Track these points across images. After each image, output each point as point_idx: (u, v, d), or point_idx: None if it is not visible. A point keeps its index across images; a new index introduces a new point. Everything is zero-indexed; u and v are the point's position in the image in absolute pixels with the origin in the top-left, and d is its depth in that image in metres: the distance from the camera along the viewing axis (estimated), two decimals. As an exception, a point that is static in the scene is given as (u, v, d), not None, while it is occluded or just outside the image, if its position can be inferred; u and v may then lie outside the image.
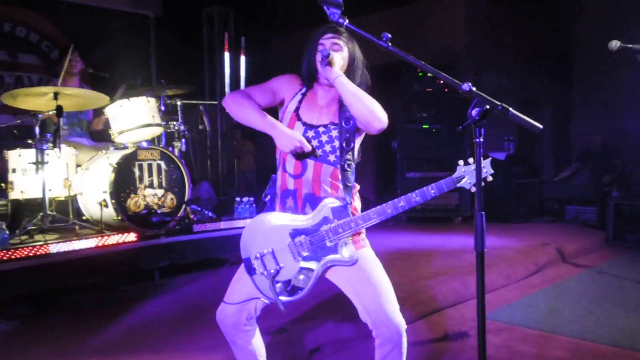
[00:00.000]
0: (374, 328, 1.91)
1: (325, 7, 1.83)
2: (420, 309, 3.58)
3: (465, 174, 1.83)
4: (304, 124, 1.99)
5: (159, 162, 4.18)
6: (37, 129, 3.79)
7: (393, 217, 6.36)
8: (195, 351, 2.64)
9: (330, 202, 1.89)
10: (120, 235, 3.81)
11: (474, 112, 1.69)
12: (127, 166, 3.99)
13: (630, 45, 3.39)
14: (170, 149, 4.57)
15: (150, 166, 4.12)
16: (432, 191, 1.82)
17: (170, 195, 4.20)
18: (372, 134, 2.00)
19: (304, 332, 2.94)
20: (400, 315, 1.93)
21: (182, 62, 7.11)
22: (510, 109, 1.68)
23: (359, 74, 2.03)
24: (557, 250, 5.23)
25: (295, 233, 1.90)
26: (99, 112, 4.63)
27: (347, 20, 1.84)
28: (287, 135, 1.91)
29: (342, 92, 1.91)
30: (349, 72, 2.01)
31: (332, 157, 1.96)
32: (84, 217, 4.15)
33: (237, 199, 4.85)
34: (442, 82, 7.16)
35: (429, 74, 7.63)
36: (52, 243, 3.46)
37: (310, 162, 1.96)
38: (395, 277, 3.94)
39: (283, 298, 1.89)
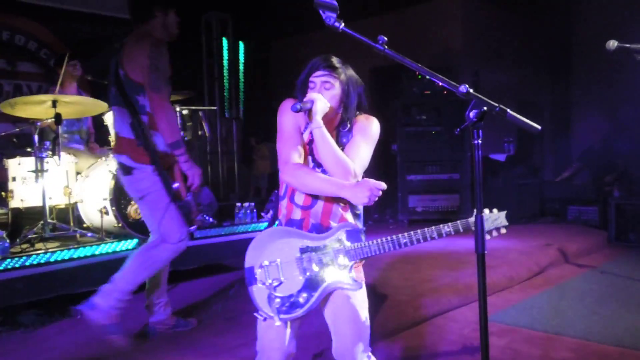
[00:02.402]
0: None
1: (320, 11, 1.80)
2: (423, 312, 3.57)
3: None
4: (313, 159, 1.96)
5: (159, 168, 4.16)
6: (36, 137, 3.79)
7: (394, 220, 6.23)
8: (197, 358, 2.62)
9: (346, 225, 1.88)
10: (121, 242, 3.80)
11: (471, 114, 1.68)
12: (126, 173, 3.98)
13: (628, 45, 3.38)
14: (169, 155, 4.56)
15: (150, 173, 4.11)
16: (448, 229, 1.82)
17: (170, 202, 4.18)
18: None
19: (306, 336, 2.93)
20: None
21: (180, 68, 7.08)
22: (508, 110, 1.68)
23: (354, 102, 1.97)
24: (560, 250, 5.21)
25: (306, 249, 1.86)
26: (98, 119, 4.62)
27: (342, 24, 1.83)
28: (360, 189, 1.81)
29: (316, 143, 1.88)
30: (343, 103, 1.96)
31: None
32: (84, 225, 4.15)
33: (238, 204, 4.84)
34: (440, 84, 7.20)
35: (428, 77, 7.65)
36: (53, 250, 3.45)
37: (321, 196, 1.92)
38: (397, 280, 3.96)
39: (281, 315, 1.83)
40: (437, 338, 3.25)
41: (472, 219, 1.78)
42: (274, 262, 1.86)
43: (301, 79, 1.99)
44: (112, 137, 4.32)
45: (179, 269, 4.04)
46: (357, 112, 2.03)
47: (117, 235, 3.93)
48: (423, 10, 8.15)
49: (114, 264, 3.64)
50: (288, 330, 1.92)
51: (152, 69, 2.79)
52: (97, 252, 3.65)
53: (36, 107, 3.78)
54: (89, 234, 3.94)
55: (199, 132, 5.64)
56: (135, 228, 3.93)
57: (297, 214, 1.95)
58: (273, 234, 1.91)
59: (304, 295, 1.83)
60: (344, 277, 1.85)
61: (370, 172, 1.99)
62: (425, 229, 1.83)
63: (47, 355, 2.74)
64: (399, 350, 3.10)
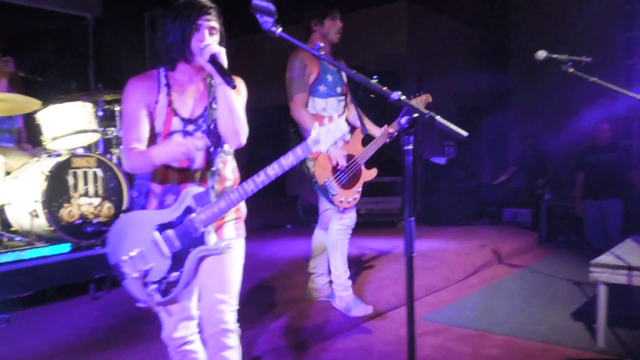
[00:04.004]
0: (203, 322, 1.91)
1: (257, 15, 1.78)
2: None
3: (321, 135, 1.73)
4: (182, 119, 1.85)
5: (95, 169, 4.03)
6: (-40, 136, 3.58)
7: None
8: None
9: (191, 190, 1.80)
10: (52, 246, 3.65)
11: (403, 121, 1.74)
12: (60, 174, 3.82)
13: (555, 56, 3.57)
14: (108, 156, 4.42)
15: (85, 174, 3.97)
16: (289, 159, 1.73)
17: (107, 204, 4.06)
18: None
19: (242, 341, 2.91)
20: (233, 320, 1.93)
21: (122, 66, 6.89)
22: (437, 117, 1.74)
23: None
24: (494, 251, 5.44)
25: (161, 228, 1.81)
26: (30, 118, 4.42)
27: (280, 29, 1.83)
28: (176, 152, 1.72)
29: (221, 102, 1.79)
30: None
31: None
32: (12, 229, 3.94)
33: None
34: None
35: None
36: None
37: (198, 153, 1.83)
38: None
39: (158, 299, 1.82)
40: (375, 339, 3.31)
41: (311, 138, 1.71)
42: (135, 251, 1.83)
43: (180, 35, 1.77)
44: (45, 136, 4.14)
45: (114, 274, 3.92)
46: None
47: (49, 239, 3.77)
48: (369, 15, 8.28)
49: (44, 268, 3.50)
50: (184, 303, 1.92)
51: (289, 80, 3.28)
52: (25, 257, 3.48)
53: (-40, 104, 3.57)
54: (17, 238, 3.75)
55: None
56: (68, 231, 3.77)
57: (174, 178, 1.87)
58: (127, 222, 1.88)
59: (175, 272, 1.81)
60: (203, 244, 1.79)
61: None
62: (266, 168, 1.74)
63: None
64: (335, 352, 3.14)
